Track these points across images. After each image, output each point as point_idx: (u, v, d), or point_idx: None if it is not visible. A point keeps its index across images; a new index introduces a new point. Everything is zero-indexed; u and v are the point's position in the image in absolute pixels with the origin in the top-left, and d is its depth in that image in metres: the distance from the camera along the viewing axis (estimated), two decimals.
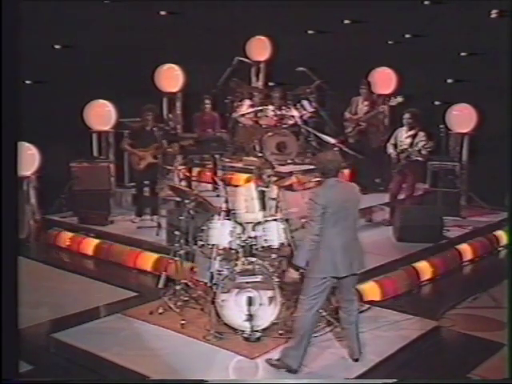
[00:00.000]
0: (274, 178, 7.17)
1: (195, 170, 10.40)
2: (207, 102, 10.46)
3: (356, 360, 5.72)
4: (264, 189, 6.89)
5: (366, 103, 10.17)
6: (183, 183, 9.62)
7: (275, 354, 5.72)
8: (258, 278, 6.07)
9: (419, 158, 9.04)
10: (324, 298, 5.58)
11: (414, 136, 9.03)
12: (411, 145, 9.01)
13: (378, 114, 10.37)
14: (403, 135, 9.15)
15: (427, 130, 9.17)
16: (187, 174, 9.97)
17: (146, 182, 9.43)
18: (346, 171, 10.11)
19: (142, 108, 9.33)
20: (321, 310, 6.28)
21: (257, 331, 6.05)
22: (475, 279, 8.23)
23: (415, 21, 10.86)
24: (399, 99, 9.93)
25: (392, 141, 9.24)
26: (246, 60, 11.90)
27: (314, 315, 5.53)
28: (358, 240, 5.66)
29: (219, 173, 9.97)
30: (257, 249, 6.39)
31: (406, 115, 9.14)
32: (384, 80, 11.25)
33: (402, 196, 9.32)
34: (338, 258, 5.43)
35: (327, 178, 5.53)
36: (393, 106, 10.07)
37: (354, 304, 5.80)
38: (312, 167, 10.28)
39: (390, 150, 9.19)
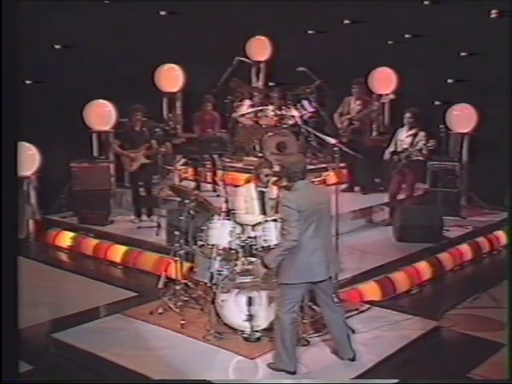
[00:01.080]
0: (274, 179, 7.17)
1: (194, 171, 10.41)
2: (207, 101, 10.45)
3: (352, 359, 5.71)
4: (263, 189, 6.88)
5: (358, 102, 10.15)
6: (184, 183, 9.64)
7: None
8: (258, 278, 6.07)
9: (420, 158, 9.03)
10: (299, 303, 5.57)
11: (414, 135, 9.02)
12: (411, 144, 9.00)
13: (370, 113, 10.36)
14: (403, 135, 9.14)
15: (428, 130, 9.16)
16: (194, 174, 10.01)
17: (141, 183, 9.43)
18: (344, 171, 10.14)
19: (130, 108, 9.31)
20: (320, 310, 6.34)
21: (257, 331, 6.05)
22: (475, 279, 8.23)
23: (415, 21, 10.86)
24: (391, 96, 9.93)
25: (393, 142, 9.23)
26: (246, 60, 11.90)
27: (291, 319, 5.47)
28: (332, 243, 5.66)
29: (219, 173, 9.98)
30: (257, 249, 6.38)
31: (407, 114, 9.14)
32: (384, 80, 11.25)
33: (401, 196, 9.32)
34: (313, 263, 5.39)
35: (294, 181, 5.44)
36: (385, 103, 10.05)
37: (339, 308, 5.76)
38: (312, 167, 10.35)
39: (391, 149, 9.17)
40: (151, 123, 9.39)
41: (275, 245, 5.66)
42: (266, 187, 6.89)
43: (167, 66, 11.16)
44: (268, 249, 6.36)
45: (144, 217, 9.43)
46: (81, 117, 10.12)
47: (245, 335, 6.07)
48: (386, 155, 9.22)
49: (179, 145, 9.69)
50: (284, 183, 5.82)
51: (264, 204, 6.86)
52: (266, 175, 6.88)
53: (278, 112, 10.49)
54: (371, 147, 9.91)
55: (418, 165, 9.14)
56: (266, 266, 5.46)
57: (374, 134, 11.20)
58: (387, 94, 10.43)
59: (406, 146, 9.04)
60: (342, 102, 10.28)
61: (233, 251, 6.44)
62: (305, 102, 10.81)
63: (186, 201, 6.87)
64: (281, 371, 5.51)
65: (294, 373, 5.49)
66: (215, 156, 10.11)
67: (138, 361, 5.75)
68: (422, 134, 9.00)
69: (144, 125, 9.22)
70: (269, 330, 6.03)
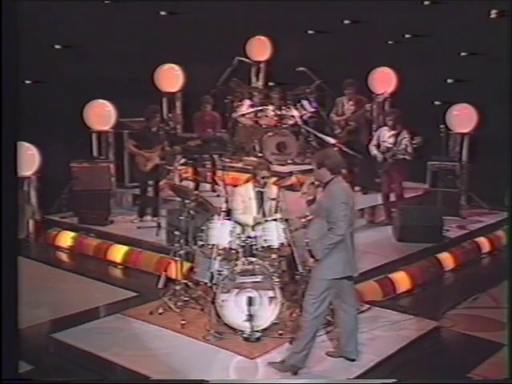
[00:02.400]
0: (274, 179, 7.17)
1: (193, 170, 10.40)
2: (207, 101, 10.45)
3: (353, 360, 5.71)
4: (261, 189, 6.88)
5: (351, 103, 10.14)
6: (185, 183, 9.63)
7: (276, 356, 5.73)
8: (258, 278, 6.07)
9: (406, 157, 9.02)
10: (330, 299, 5.55)
11: (397, 135, 9.04)
12: (395, 144, 9.02)
13: (365, 113, 10.37)
14: (386, 135, 9.17)
15: (411, 129, 9.14)
16: (194, 174, 10.00)
17: (150, 183, 9.44)
18: (344, 171, 10.14)
19: (147, 109, 9.31)
20: None
21: (257, 331, 6.05)
22: (475, 279, 8.22)
23: (415, 21, 10.85)
24: (385, 95, 9.92)
25: (374, 142, 9.25)
26: (246, 60, 11.91)
27: (321, 316, 5.53)
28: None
29: (219, 173, 9.98)
30: (257, 249, 6.38)
31: (388, 117, 9.21)
32: (384, 80, 11.24)
33: (393, 196, 9.36)
34: (351, 258, 5.45)
35: (335, 174, 5.41)
36: (379, 102, 10.05)
37: (355, 306, 5.80)
38: (312, 167, 10.32)
39: (374, 151, 9.20)
40: (165, 124, 9.44)
41: (321, 237, 5.38)
42: (263, 187, 6.89)
43: (167, 66, 11.15)
44: (268, 249, 6.40)
45: (147, 217, 9.42)
46: (81, 117, 10.12)
47: (245, 335, 6.06)
48: (378, 157, 9.19)
49: (194, 147, 9.66)
50: (287, 183, 5.76)
51: (262, 204, 6.86)
52: (263, 177, 6.87)
53: (278, 112, 10.50)
54: (367, 146, 9.90)
55: (404, 163, 9.12)
56: (313, 256, 5.39)
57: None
58: (382, 94, 10.45)
59: (390, 146, 9.06)
60: (335, 103, 10.27)
61: (233, 251, 6.44)
62: (305, 102, 10.82)
63: (186, 201, 6.87)
64: (283, 372, 5.49)
65: (296, 373, 5.48)
66: (215, 156, 10.11)
67: (138, 361, 5.75)
68: (405, 132, 9.02)
69: (159, 126, 9.25)
70: (269, 330, 6.04)
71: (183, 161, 10.49)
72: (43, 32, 9.64)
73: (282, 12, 11.26)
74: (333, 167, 5.41)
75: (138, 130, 9.67)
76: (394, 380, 5.44)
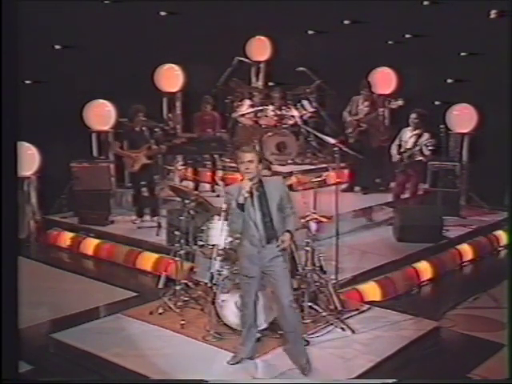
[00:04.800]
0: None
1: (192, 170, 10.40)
2: (207, 102, 10.44)
3: None
4: None
5: (366, 104, 10.13)
6: (185, 183, 9.63)
7: (276, 357, 5.73)
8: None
9: (422, 158, 9.03)
10: None
11: (418, 136, 9.03)
12: (415, 145, 9.01)
13: (378, 116, 10.36)
14: (407, 135, 9.16)
15: (433, 131, 9.14)
16: (193, 174, 10.00)
17: (143, 183, 9.42)
18: (345, 171, 10.15)
19: (130, 108, 9.29)
20: (321, 310, 6.36)
21: (256, 331, 6.04)
22: (475, 279, 8.23)
23: (415, 21, 10.86)
24: (400, 102, 9.88)
25: (397, 141, 9.25)
26: (246, 60, 11.90)
27: None
28: None
29: (219, 173, 9.98)
30: None
31: (413, 115, 9.16)
32: (384, 80, 11.24)
33: (405, 196, 9.35)
34: None
35: None
36: (393, 108, 10.07)
37: None
38: (312, 167, 10.36)
39: (394, 151, 9.19)
40: (151, 123, 9.38)
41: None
42: None
43: (167, 66, 11.15)
44: None
45: (146, 217, 9.42)
46: (81, 117, 10.12)
47: None
48: (393, 150, 9.20)
49: (179, 144, 9.67)
50: (287, 183, 5.76)
51: None
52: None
53: (278, 112, 10.50)
54: (377, 148, 9.91)
55: (420, 165, 9.15)
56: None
57: None
58: (395, 99, 10.37)
59: (409, 147, 9.06)
60: (350, 101, 10.24)
61: (233, 251, 6.44)
62: (305, 102, 10.81)
63: (186, 201, 6.87)
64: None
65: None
66: (216, 156, 10.10)
67: (138, 361, 5.75)
68: (426, 136, 9.01)
69: (144, 125, 9.21)
70: (269, 330, 6.03)
71: (183, 161, 10.49)
72: (43, 32, 9.63)
73: (282, 12, 11.25)
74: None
75: (124, 130, 9.65)
76: (394, 380, 5.44)
